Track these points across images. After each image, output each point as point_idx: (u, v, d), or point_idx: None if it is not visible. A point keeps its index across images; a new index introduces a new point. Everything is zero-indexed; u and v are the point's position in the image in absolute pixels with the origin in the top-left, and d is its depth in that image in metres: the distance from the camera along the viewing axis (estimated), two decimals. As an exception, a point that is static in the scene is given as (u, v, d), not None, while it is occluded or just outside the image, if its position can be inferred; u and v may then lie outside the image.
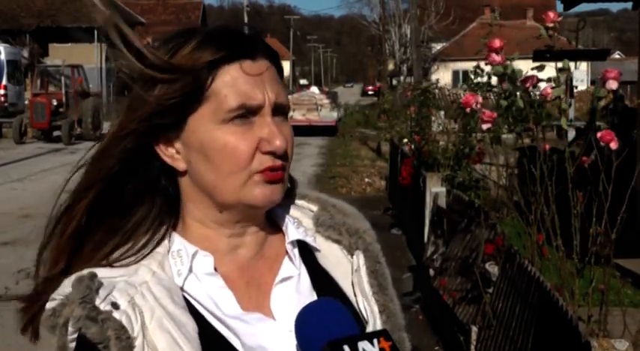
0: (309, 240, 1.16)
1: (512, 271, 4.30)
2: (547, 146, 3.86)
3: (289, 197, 1.20)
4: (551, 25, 3.90)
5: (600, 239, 3.66)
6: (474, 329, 4.74)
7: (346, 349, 0.91)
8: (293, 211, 1.20)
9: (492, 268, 4.75)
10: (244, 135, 1.06)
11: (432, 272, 6.46)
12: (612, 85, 3.67)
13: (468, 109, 3.97)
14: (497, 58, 3.89)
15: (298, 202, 1.22)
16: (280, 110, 1.09)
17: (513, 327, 4.05)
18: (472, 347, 4.74)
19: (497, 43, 3.90)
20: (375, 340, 0.93)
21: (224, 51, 1.06)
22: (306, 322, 1.01)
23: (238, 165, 1.05)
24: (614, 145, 3.53)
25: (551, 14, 3.88)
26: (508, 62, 3.90)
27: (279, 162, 1.07)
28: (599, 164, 3.59)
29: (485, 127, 3.88)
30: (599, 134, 3.56)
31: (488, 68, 4.37)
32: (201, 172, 1.08)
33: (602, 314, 3.71)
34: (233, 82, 1.06)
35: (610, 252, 3.66)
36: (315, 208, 1.22)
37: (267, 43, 1.13)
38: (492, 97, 4.27)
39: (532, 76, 3.84)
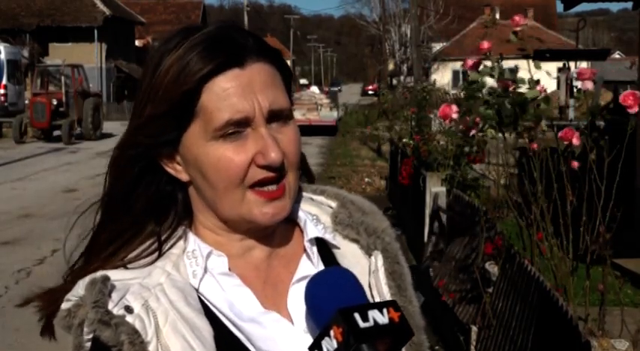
0: (328, 237, 1.13)
1: (512, 271, 4.30)
2: (535, 146, 3.87)
3: (307, 192, 1.17)
4: (518, 29, 3.92)
5: (601, 238, 3.67)
6: (474, 329, 4.74)
7: (357, 316, 0.91)
8: (311, 207, 1.17)
9: (492, 268, 4.75)
10: (238, 149, 1.02)
11: (432, 272, 6.46)
12: (587, 85, 3.68)
13: (447, 121, 4.02)
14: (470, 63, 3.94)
15: (316, 197, 1.19)
16: (278, 116, 1.04)
17: (513, 327, 4.05)
18: (472, 347, 4.74)
19: (485, 44, 3.95)
20: (385, 310, 0.93)
21: (210, 64, 1.02)
22: (316, 291, 1.00)
23: (232, 181, 1.03)
24: (576, 142, 3.57)
25: (517, 18, 3.90)
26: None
27: (271, 174, 1.03)
28: (591, 164, 3.60)
29: (471, 133, 3.93)
30: (560, 133, 3.59)
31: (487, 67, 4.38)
32: (201, 187, 1.06)
33: (602, 314, 3.72)
34: (220, 96, 1.02)
35: (608, 251, 3.67)
36: (334, 204, 1.18)
37: (260, 43, 1.07)
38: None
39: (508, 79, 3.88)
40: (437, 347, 5.70)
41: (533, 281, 3.87)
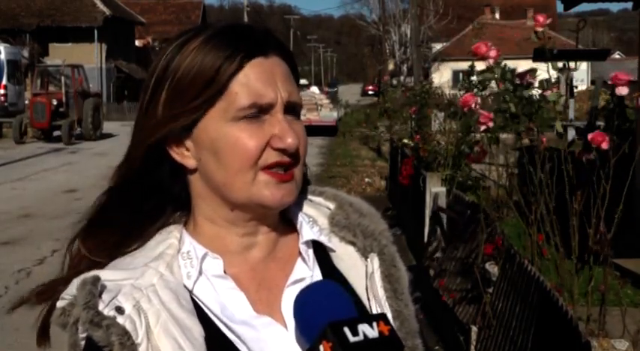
0: (323, 240, 1.13)
1: (512, 271, 4.30)
2: (544, 139, 3.86)
3: (305, 193, 1.17)
4: (540, 29, 3.90)
5: (600, 238, 3.67)
6: (474, 329, 4.74)
7: (346, 330, 0.91)
8: (309, 208, 1.17)
9: (492, 268, 4.75)
10: (255, 131, 1.03)
11: (432, 272, 6.46)
12: (622, 90, 3.65)
13: (466, 109, 3.96)
14: (492, 55, 3.89)
15: (315, 198, 1.18)
16: (293, 109, 1.07)
17: (513, 327, 4.05)
18: (472, 347, 4.74)
19: (482, 47, 3.92)
20: (375, 323, 0.93)
21: (235, 48, 1.04)
22: (304, 305, 1.00)
23: (247, 162, 1.03)
24: (605, 146, 3.54)
25: (540, 18, 3.88)
26: (499, 63, 3.91)
27: (286, 158, 1.04)
28: (597, 164, 3.59)
29: (482, 128, 3.89)
30: (590, 136, 3.56)
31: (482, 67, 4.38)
32: (212, 170, 1.05)
33: (602, 314, 3.72)
34: (245, 80, 1.03)
35: (609, 251, 3.67)
36: (332, 206, 1.18)
37: (279, 40, 1.10)
38: (488, 97, 4.28)
39: (526, 73, 3.84)
40: (437, 347, 5.70)
41: (533, 281, 3.87)
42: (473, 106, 3.88)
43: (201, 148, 1.06)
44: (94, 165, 16.84)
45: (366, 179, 15.70)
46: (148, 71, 1.10)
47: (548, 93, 3.81)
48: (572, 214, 3.74)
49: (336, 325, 0.91)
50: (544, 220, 3.90)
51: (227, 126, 1.03)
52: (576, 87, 19.73)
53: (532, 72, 3.87)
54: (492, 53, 3.89)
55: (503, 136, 4.33)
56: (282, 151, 1.04)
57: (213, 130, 1.04)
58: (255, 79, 1.04)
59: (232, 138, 1.03)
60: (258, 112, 1.04)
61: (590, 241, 3.72)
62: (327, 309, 0.98)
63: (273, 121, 1.04)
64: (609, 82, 3.78)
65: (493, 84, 3.94)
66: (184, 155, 1.07)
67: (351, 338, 0.91)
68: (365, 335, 0.92)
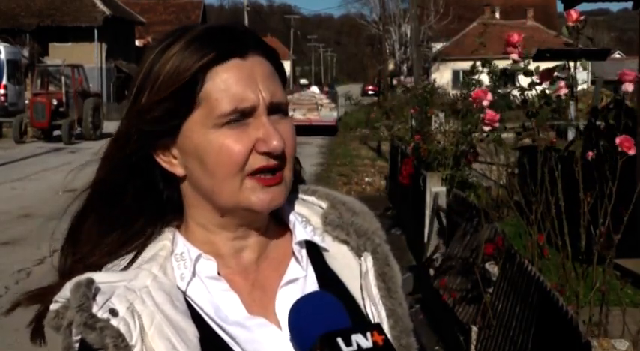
0: (317, 240, 1.13)
1: (512, 271, 4.30)
2: (554, 140, 3.85)
3: (298, 193, 1.17)
4: (572, 24, 3.86)
5: (602, 239, 3.66)
6: (474, 329, 4.74)
7: (340, 341, 0.91)
8: (301, 208, 1.17)
9: (492, 268, 4.75)
10: (239, 136, 1.02)
11: (432, 272, 6.46)
12: (628, 87, 3.64)
13: (476, 105, 3.92)
14: (515, 52, 3.86)
15: (308, 198, 1.18)
16: (277, 109, 1.05)
17: (513, 327, 4.05)
18: (472, 347, 4.74)
19: (515, 37, 3.87)
20: (369, 334, 0.93)
21: (212, 52, 1.03)
22: (298, 316, 1.00)
23: (233, 168, 1.03)
24: (632, 152, 3.50)
25: (574, 14, 3.83)
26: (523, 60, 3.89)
27: (272, 162, 1.03)
28: (603, 165, 3.59)
29: (486, 129, 3.86)
30: (618, 140, 3.52)
31: (484, 67, 4.36)
32: (198, 177, 1.05)
33: (602, 314, 3.71)
34: (224, 85, 1.03)
35: (612, 252, 3.67)
36: (324, 205, 1.17)
37: (259, 39, 1.09)
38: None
39: (548, 72, 3.83)
40: (437, 347, 5.70)
41: (533, 281, 3.87)
42: (484, 103, 3.83)
43: (187, 156, 1.06)
44: (94, 165, 16.82)
45: (366, 179, 15.71)
46: (134, 76, 1.10)
47: (562, 92, 3.80)
48: (581, 215, 3.73)
49: (330, 336, 0.91)
50: (544, 220, 3.90)
51: (210, 133, 1.03)
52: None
53: (558, 69, 3.85)
54: (516, 53, 3.86)
55: (503, 135, 4.33)
56: (268, 154, 1.03)
57: (196, 138, 1.04)
58: (235, 83, 1.03)
59: (217, 144, 1.03)
60: (241, 116, 1.03)
61: (595, 241, 3.71)
62: (322, 320, 0.97)
63: (257, 124, 1.03)
64: (617, 79, 3.75)
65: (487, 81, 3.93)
66: (172, 163, 1.07)
67: (345, 349, 0.91)
68: (359, 345, 0.91)
